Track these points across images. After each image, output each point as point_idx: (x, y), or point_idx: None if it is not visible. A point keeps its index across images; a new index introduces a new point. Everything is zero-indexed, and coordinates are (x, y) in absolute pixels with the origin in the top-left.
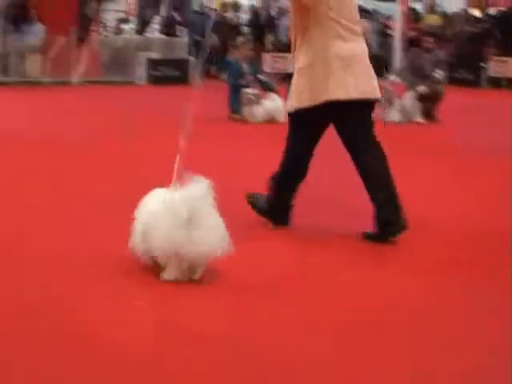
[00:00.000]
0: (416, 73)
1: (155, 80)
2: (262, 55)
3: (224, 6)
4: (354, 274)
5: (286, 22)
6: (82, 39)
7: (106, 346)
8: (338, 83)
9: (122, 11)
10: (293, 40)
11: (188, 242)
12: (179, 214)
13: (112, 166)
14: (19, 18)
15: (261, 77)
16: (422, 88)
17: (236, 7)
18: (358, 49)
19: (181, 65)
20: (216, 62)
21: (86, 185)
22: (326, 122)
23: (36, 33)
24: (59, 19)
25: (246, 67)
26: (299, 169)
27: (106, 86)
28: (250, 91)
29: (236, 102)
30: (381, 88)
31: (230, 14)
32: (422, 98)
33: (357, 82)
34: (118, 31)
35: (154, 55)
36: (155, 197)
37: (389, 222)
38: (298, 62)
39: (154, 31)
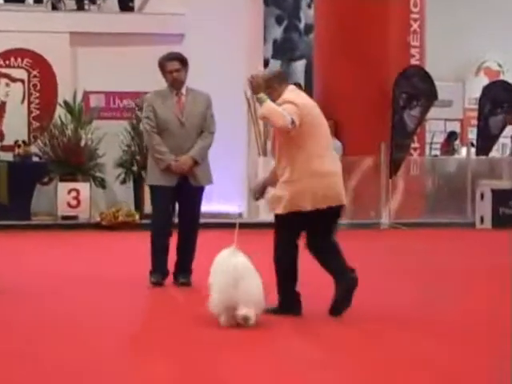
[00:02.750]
0: None
1: (504, 221)
2: None
3: None
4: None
5: None
6: (396, 161)
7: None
8: (308, 196)
9: (457, 120)
10: (276, 160)
11: (233, 299)
12: (228, 278)
13: None
14: None
15: None
16: None
17: None
18: (333, 166)
19: None
20: None
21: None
22: (302, 223)
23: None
24: (363, 134)
25: None
26: (290, 261)
27: (432, 230)
28: None
29: None
30: None
31: None
32: None
33: (323, 193)
34: (450, 150)
35: (504, 184)
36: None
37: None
38: (282, 177)
39: (505, 149)
